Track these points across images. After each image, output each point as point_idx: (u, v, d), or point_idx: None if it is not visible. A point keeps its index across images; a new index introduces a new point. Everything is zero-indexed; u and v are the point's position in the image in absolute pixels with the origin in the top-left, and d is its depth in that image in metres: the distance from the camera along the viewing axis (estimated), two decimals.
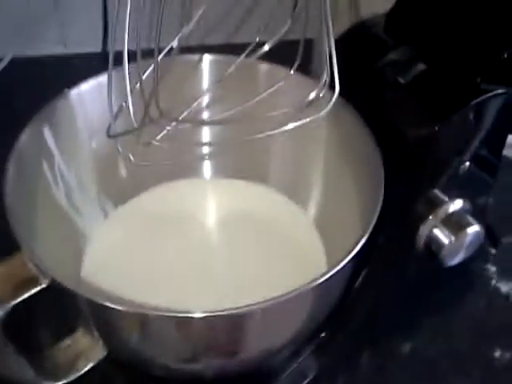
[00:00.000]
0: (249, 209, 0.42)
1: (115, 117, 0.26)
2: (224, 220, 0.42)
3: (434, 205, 0.39)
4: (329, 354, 0.39)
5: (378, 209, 0.31)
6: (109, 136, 0.26)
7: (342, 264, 0.28)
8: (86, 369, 0.32)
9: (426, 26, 0.35)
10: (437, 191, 0.39)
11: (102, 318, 0.28)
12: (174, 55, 0.25)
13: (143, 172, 0.35)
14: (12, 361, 0.29)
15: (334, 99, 0.26)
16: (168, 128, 0.26)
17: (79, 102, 0.36)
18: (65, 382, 0.32)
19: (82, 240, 0.40)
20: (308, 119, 0.29)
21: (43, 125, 0.35)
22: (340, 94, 0.27)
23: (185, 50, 0.26)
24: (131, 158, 0.27)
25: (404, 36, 0.35)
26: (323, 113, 0.28)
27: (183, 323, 0.27)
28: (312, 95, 0.29)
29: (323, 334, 0.38)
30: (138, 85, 0.25)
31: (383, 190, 0.32)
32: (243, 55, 0.25)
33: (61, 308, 0.30)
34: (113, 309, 0.26)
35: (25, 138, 0.33)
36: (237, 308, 0.26)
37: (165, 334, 0.28)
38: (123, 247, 0.39)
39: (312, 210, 0.43)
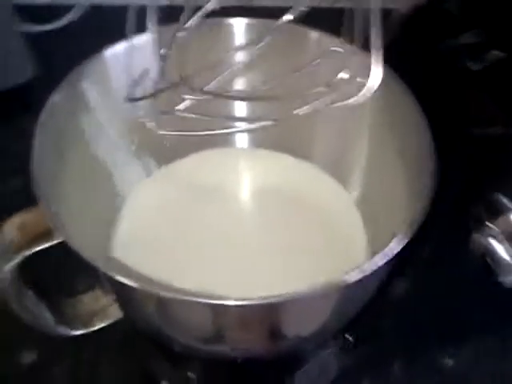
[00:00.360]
0: (287, 183, 0.41)
1: (138, 81, 0.25)
2: (261, 194, 0.41)
3: (496, 211, 0.35)
4: (354, 357, 0.37)
5: (429, 198, 0.28)
6: (126, 100, 0.25)
7: (380, 263, 0.26)
8: (101, 325, 0.33)
9: (506, 9, 0.30)
10: (501, 196, 0.35)
11: (118, 290, 0.28)
12: (203, 17, 0.23)
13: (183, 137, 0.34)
14: (32, 305, 0.31)
15: (374, 86, 0.23)
16: (191, 98, 0.24)
17: (119, 60, 0.35)
18: (80, 332, 0.33)
19: (118, 200, 0.40)
20: (350, 100, 0.26)
21: (83, 79, 0.34)
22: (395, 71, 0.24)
23: (219, 12, 0.24)
24: (153, 125, 0.26)
25: (481, 18, 0.30)
26: (365, 94, 0.25)
27: (211, 309, 0.26)
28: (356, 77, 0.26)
29: (349, 337, 0.36)
30: (165, 49, 0.24)
31: (435, 179, 0.29)
32: (284, 18, 0.22)
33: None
34: (125, 285, 0.25)
35: (62, 91, 0.33)
36: (267, 297, 0.25)
37: (188, 317, 0.28)
38: (156, 216, 0.39)
39: (354, 190, 0.40)
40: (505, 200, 0.34)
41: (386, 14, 0.24)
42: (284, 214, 0.39)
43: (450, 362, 0.38)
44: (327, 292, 0.26)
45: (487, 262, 0.34)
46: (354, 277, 0.25)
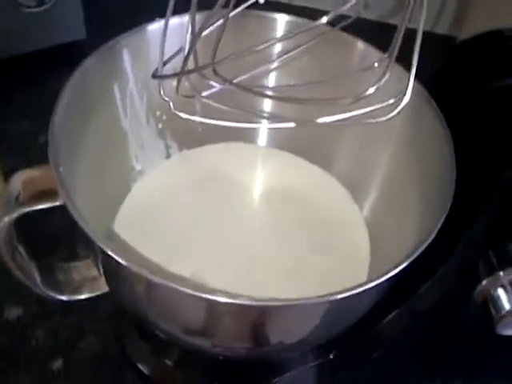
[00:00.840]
0: (299, 188, 0.40)
1: (169, 59, 0.25)
2: (271, 195, 0.40)
3: (510, 261, 0.33)
4: (336, 376, 0.36)
5: (437, 229, 0.27)
6: (153, 77, 0.25)
7: (376, 282, 0.25)
8: (88, 295, 0.33)
9: None
10: None
11: (107, 265, 0.28)
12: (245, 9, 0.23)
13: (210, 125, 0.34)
14: (23, 262, 0.31)
15: (403, 103, 0.23)
16: (218, 86, 0.24)
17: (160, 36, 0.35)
18: (66, 298, 0.33)
19: (131, 176, 0.39)
20: (378, 119, 0.25)
21: (121, 48, 0.34)
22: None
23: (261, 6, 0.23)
24: (171, 105, 0.26)
25: None
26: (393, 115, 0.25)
27: (198, 301, 0.25)
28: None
29: (331, 356, 0.35)
30: (199, 31, 0.23)
31: (447, 211, 0.27)
32: (323, 20, 0.21)
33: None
34: (114, 261, 0.25)
35: (98, 56, 0.33)
36: (254, 299, 0.24)
37: (173, 305, 0.27)
38: (164, 198, 0.39)
39: (366, 206, 0.39)
40: None
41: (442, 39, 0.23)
42: (290, 218, 0.39)
43: None
44: (315, 304, 0.25)
45: (488, 310, 0.33)
46: (343, 293, 0.24)
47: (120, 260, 0.24)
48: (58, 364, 0.37)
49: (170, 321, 0.30)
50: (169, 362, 0.38)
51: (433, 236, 0.27)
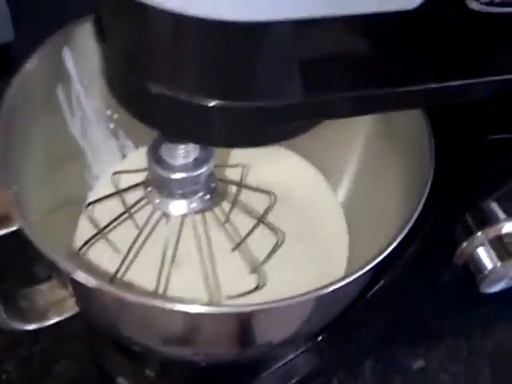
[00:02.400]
0: (273, 176, 0.38)
1: None
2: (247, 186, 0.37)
3: (487, 220, 0.33)
4: (325, 356, 0.36)
5: (417, 212, 0.27)
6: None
7: (356, 275, 0.24)
8: (57, 319, 0.30)
9: None
10: (494, 204, 0.33)
11: (75, 287, 0.26)
12: None
13: None
14: None
15: None
16: None
17: None
18: (34, 327, 0.30)
19: (88, 181, 0.37)
20: None
21: (62, 46, 0.31)
22: None
23: None
24: None
25: None
26: None
27: (174, 314, 0.24)
28: None
29: (320, 338, 0.34)
30: None
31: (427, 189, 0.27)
32: None
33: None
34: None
35: (38, 57, 0.30)
36: (232, 307, 0.24)
37: (148, 320, 0.26)
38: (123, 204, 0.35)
39: (342, 190, 0.38)
40: (497, 208, 0.33)
41: None
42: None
43: (420, 362, 0.38)
44: (296, 304, 0.24)
45: (470, 269, 0.33)
46: (324, 290, 0.23)
47: (89, 284, 0.22)
48: None
49: (149, 336, 0.28)
50: (150, 373, 0.36)
51: (411, 222, 0.26)
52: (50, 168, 0.31)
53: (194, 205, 0.28)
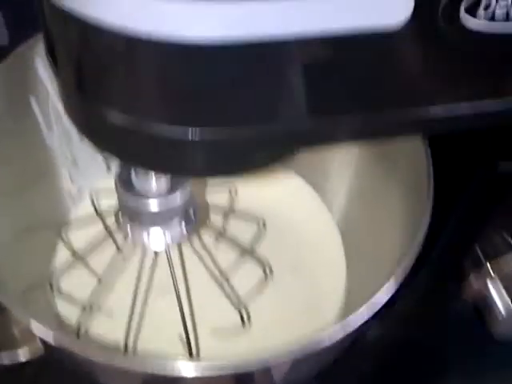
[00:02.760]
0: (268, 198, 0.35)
1: None
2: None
3: (497, 251, 0.30)
4: None
5: (420, 240, 0.24)
6: None
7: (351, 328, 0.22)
8: (27, 359, 0.28)
9: None
10: (505, 235, 0.30)
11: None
12: None
13: None
14: None
15: None
16: None
17: None
18: (8, 361, 0.28)
19: (72, 196, 0.35)
20: None
21: (34, 55, 0.29)
22: None
23: None
24: None
25: None
26: None
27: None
28: None
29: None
30: None
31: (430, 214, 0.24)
32: None
33: None
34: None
35: (7, 68, 0.28)
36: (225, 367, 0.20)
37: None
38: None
39: (338, 211, 0.35)
40: (509, 239, 0.30)
41: None
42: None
43: None
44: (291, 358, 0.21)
45: (478, 310, 0.31)
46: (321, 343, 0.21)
47: (46, 338, 0.21)
48: None
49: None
50: None
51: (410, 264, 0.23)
52: (20, 187, 0.29)
53: (169, 235, 0.26)
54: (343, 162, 0.33)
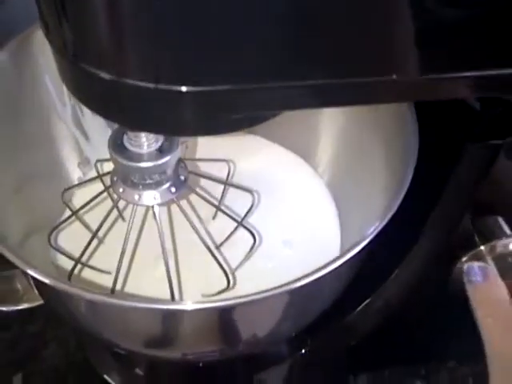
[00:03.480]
0: (258, 166, 0.37)
1: None
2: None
3: (491, 234, 0.30)
4: (310, 370, 0.34)
5: (406, 184, 0.24)
6: None
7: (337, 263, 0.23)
8: (26, 306, 0.30)
9: None
10: (500, 219, 0.30)
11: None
12: None
13: None
14: None
15: None
16: None
17: None
18: (6, 309, 0.30)
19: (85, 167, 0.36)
20: None
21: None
22: None
23: None
24: None
25: None
26: None
27: (158, 314, 0.23)
28: None
29: (303, 351, 0.32)
30: None
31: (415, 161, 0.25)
32: None
33: None
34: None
35: (20, 45, 0.30)
36: (216, 301, 0.22)
37: (131, 323, 0.25)
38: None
39: (325, 172, 0.36)
40: (503, 224, 0.30)
41: None
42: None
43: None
44: (279, 295, 0.23)
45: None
46: (302, 281, 0.22)
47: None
48: (18, 379, 0.35)
49: (128, 340, 0.27)
50: (139, 372, 0.35)
51: (397, 204, 0.24)
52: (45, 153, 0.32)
53: (159, 196, 0.27)
54: (328, 126, 0.34)
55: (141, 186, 0.27)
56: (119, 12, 0.18)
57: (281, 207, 0.35)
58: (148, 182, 0.27)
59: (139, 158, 0.26)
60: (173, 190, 0.27)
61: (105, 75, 0.19)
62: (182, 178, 0.28)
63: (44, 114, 0.33)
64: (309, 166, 0.37)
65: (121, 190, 0.28)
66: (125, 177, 0.27)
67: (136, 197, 0.27)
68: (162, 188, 0.27)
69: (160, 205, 0.28)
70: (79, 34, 0.19)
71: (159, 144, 0.26)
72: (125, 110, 0.21)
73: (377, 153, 0.30)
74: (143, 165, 0.26)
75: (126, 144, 0.26)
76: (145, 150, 0.26)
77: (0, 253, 0.23)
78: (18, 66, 0.30)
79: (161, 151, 0.26)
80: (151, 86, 0.19)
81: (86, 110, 0.35)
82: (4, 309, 0.30)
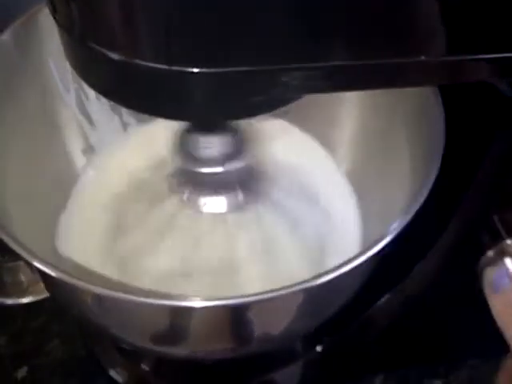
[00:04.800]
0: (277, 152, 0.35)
1: None
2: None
3: None
4: (327, 368, 0.32)
5: (431, 182, 0.24)
6: None
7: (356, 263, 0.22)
8: (32, 300, 0.29)
9: None
10: None
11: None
12: None
13: None
14: None
15: None
16: None
17: None
18: (12, 302, 0.29)
19: (88, 157, 0.35)
20: None
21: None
22: None
23: None
24: None
25: None
26: None
27: (169, 310, 0.23)
28: None
29: (319, 349, 0.31)
30: None
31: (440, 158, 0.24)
32: None
33: None
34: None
35: (24, 28, 0.29)
36: (229, 298, 0.21)
37: (140, 319, 0.24)
38: (122, 191, 0.33)
39: (344, 159, 0.35)
40: None
41: None
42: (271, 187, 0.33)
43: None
44: (292, 294, 0.22)
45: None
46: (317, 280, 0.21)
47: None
48: (22, 372, 0.34)
49: (136, 335, 0.26)
50: (145, 368, 0.34)
51: (422, 199, 0.23)
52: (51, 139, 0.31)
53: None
54: (348, 111, 0.33)
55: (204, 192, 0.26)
56: None
57: (300, 196, 0.34)
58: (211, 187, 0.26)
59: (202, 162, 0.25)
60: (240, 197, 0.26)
61: (114, 56, 0.18)
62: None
63: (47, 98, 0.32)
64: (328, 152, 0.36)
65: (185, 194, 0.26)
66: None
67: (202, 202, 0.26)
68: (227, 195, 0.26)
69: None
70: (88, 11, 0.18)
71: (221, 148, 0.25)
72: (135, 92, 0.20)
73: (400, 142, 0.28)
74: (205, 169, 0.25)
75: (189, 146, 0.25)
76: (206, 153, 0.25)
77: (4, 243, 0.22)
78: (22, 48, 0.29)
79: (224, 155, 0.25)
80: (164, 67, 0.18)
81: (91, 95, 0.34)
82: (10, 302, 0.29)
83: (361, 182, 0.34)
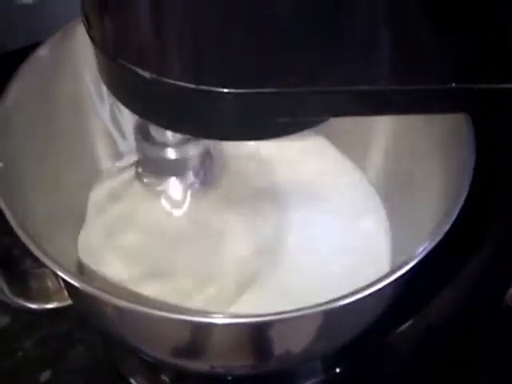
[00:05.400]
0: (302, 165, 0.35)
1: None
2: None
3: None
4: None
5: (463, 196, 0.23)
6: None
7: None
8: (56, 306, 0.30)
9: None
10: None
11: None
12: None
13: None
14: None
15: None
16: None
17: None
18: (37, 307, 0.30)
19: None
20: None
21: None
22: None
23: None
24: None
25: None
26: None
27: (190, 325, 0.23)
28: None
29: (338, 370, 0.30)
30: None
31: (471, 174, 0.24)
32: None
33: None
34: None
35: (60, 40, 0.30)
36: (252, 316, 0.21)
37: (161, 332, 0.24)
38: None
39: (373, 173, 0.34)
40: None
41: None
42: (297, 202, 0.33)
43: None
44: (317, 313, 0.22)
45: None
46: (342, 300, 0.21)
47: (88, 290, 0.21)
48: (45, 376, 0.35)
49: (156, 348, 0.27)
50: (165, 378, 0.34)
51: (451, 220, 0.23)
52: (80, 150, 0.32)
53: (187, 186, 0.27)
54: (380, 129, 0.33)
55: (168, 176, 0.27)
56: (162, 10, 0.17)
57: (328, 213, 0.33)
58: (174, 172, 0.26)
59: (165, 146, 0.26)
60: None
61: (145, 73, 0.19)
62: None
63: (81, 109, 0.33)
64: (359, 169, 0.36)
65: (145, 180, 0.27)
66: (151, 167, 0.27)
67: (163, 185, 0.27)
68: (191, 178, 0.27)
69: None
70: (121, 30, 0.19)
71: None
72: (163, 110, 0.20)
73: (431, 162, 0.28)
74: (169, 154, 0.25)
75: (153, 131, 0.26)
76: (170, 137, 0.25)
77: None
78: (58, 60, 0.30)
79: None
80: (192, 86, 0.18)
81: (124, 109, 0.34)
82: (35, 306, 0.30)
83: (390, 200, 0.33)
